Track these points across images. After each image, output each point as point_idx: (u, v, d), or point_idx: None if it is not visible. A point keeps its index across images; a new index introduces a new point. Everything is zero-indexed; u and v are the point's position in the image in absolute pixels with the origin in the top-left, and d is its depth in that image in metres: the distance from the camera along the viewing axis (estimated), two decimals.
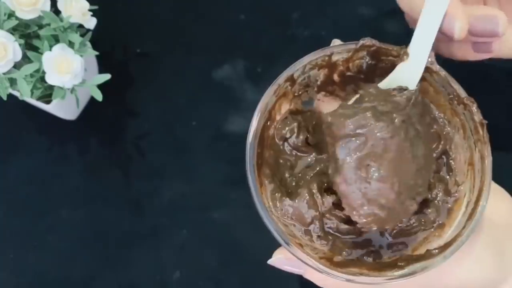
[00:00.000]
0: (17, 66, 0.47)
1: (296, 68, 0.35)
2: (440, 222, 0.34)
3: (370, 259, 0.34)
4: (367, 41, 0.36)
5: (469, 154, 0.35)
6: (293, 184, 0.36)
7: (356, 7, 0.60)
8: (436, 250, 0.33)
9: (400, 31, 0.60)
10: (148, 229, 0.55)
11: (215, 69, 0.59)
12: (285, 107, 0.37)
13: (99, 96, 0.49)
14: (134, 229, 0.55)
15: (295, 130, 0.36)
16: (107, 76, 0.50)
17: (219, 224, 0.54)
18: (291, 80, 0.36)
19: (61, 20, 0.48)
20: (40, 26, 0.49)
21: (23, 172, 0.56)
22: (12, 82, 0.48)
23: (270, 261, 0.37)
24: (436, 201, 0.35)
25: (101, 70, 0.55)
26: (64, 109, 0.55)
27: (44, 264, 0.54)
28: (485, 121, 0.34)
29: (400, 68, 0.35)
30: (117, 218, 0.55)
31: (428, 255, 0.33)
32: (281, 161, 0.36)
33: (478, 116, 0.34)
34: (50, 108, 0.52)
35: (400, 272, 0.32)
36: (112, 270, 0.54)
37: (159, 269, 0.54)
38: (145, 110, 0.58)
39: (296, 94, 0.37)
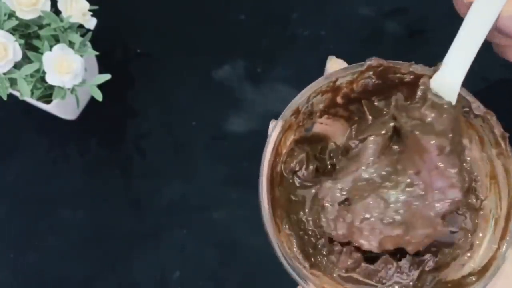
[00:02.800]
0: (17, 66, 0.47)
1: (300, 101, 0.34)
2: (468, 243, 0.33)
3: None
4: (373, 61, 0.33)
5: (489, 167, 0.33)
6: (310, 225, 0.34)
7: (356, 7, 0.60)
8: (473, 278, 0.31)
9: (400, 31, 0.60)
10: (148, 229, 0.55)
11: (215, 69, 0.59)
12: (289, 138, 0.35)
13: (99, 96, 0.49)
14: (134, 229, 0.55)
15: (304, 161, 0.34)
16: (107, 76, 0.50)
17: (219, 224, 0.54)
18: (297, 112, 0.34)
19: (61, 20, 0.48)
20: (40, 26, 0.49)
21: (23, 172, 0.56)
22: (12, 82, 0.48)
23: None
24: (462, 220, 0.33)
25: (101, 70, 0.55)
26: (64, 109, 0.55)
27: (44, 264, 0.54)
28: (507, 134, 0.32)
29: (434, 81, 0.32)
30: (117, 218, 0.55)
31: (465, 283, 0.31)
32: (292, 197, 0.35)
33: (498, 129, 0.32)
34: (50, 108, 0.52)
35: None
36: (112, 270, 0.54)
37: (159, 269, 0.54)
38: (145, 110, 0.58)
39: (300, 124, 0.35)
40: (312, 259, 0.33)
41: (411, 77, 0.33)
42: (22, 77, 0.47)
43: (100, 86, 0.50)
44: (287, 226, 0.34)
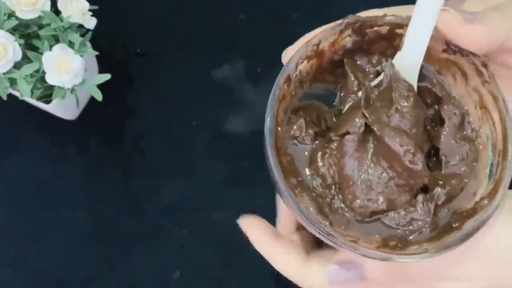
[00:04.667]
0: (17, 66, 0.47)
1: (290, 67, 0.35)
2: (473, 171, 0.34)
3: (427, 231, 0.33)
4: (350, 18, 0.36)
5: (477, 98, 0.34)
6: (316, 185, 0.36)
7: (356, 7, 0.60)
8: (485, 201, 0.32)
9: None
10: (148, 229, 0.55)
11: (215, 69, 0.59)
12: (285, 108, 0.36)
13: (99, 96, 0.49)
14: (134, 229, 0.55)
15: (303, 125, 0.36)
16: (107, 76, 0.50)
17: (219, 224, 0.54)
18: (288, 80, 0.35)
19: (61, 20, 0.48)
20: (40, 26, 0.49)
21: (23, 172, 0.56)
22: (12, 82, 0.48)
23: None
24: (462, 152, 0.35)
25: (101, 70, 0.55)
26: (64, 109, 0.55)
27: (44, 264, 0.54)
28: (487, 61, 0.33)
29: (397, 59, 0.34)
30: (117, 218, 0.55)
31: (479, 208, 0.32)
32: (298, 162, 0.36)
33: (477, 59, 0.33)
34: (50, 108, 0.52)
35: (460, 234, 0.31)
36: (112, 270, 0.54)
37: (159, 269, 0.54)
38: (145, 110, 0.58)
39: (293, 93, 0.36)
40: (331, 217, 0.34)
41: (387, 28, 0.35)
42: (22, 77, 0.47)
43: (100, 86, 0.50)
44: (298, 190, 0.34)
